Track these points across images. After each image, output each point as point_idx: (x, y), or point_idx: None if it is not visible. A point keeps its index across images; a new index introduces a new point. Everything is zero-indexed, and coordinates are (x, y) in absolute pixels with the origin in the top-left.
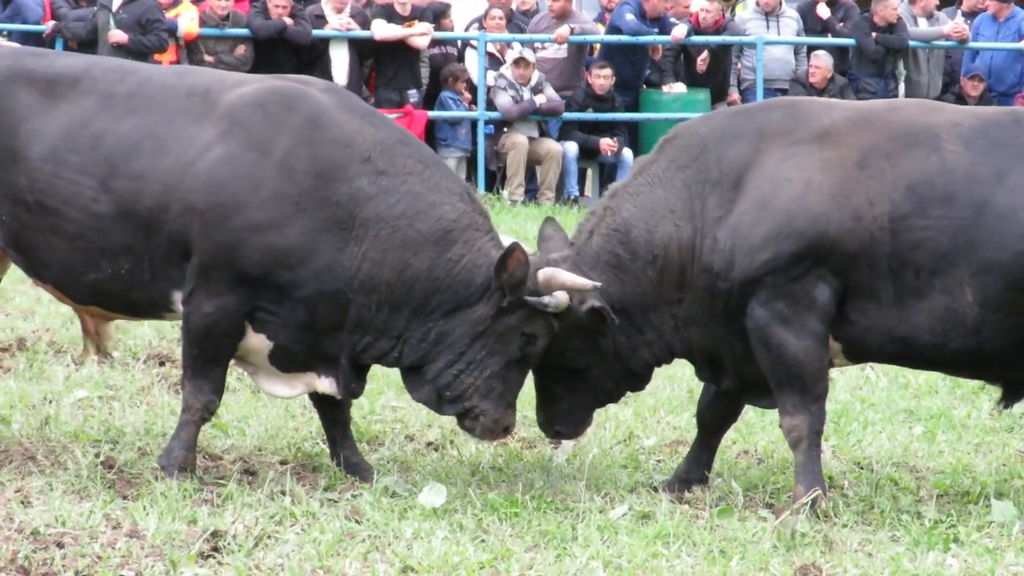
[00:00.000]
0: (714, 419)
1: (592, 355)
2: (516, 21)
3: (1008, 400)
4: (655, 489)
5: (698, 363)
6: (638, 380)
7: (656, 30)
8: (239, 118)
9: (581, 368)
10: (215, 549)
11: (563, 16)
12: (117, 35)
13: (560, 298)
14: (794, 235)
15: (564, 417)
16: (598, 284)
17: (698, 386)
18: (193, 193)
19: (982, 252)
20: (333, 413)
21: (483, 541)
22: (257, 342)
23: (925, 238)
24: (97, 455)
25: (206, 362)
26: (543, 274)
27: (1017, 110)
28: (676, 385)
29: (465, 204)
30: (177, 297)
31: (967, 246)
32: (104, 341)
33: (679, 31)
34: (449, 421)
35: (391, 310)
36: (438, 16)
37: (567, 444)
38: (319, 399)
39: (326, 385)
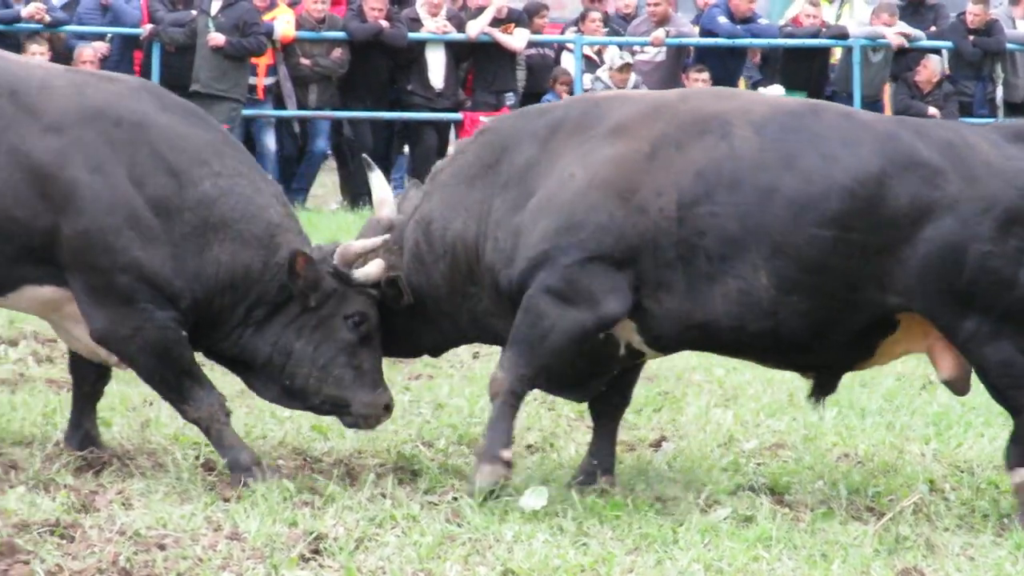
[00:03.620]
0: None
1: (384, 325)
2: (612, 24)
3: (818, 394)
4: (755, 492)
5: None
6: (430, 351)
7: (749, 33)
8: (72, 137)
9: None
10: (316, 551)
11: (663, 20)
12: (216, 38)
13: (370, 270)
14: (573, 229)
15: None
16: (387, 239)
17: (799, 389)
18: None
19: (774, 236)
20: (89, 387)
21: (584, 544)
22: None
23: (713, 224)
24: (197, 457)
25: (179, 375)
26: (337, 253)
27: (817, 103)
28: (776, 389)
29: (282, 207)
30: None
31: (757, 230)
32: None
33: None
34: (551, 423)
35: (231, 309)
36: (532, 15)
37: (667, 446)
38: (78, 371)
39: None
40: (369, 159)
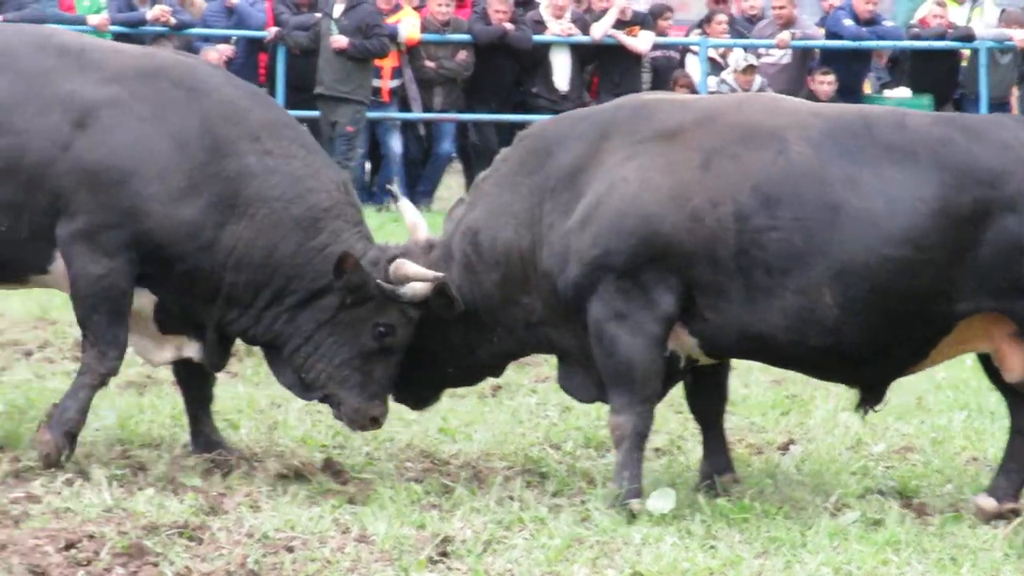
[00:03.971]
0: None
1: (440, 339)
2: (736, 26)
3: (866, 404)
4: (884, 495)
5: (563, 362)
6: (490, 369)
7: (873, 36)
8: (131, 86)
9: (430, 348)
10: (444, 554)
11: (788, 22)
12: (339, 40)
13: (416, 288)
14: (624, 234)
15: (408, 391)
16: (440, 276)
17: (928, 392)
18: (86, 153)
19: (838, 255)
20: (197, 391)
21: (712, 547)
22: (144, 300)
23: (773, 239)
24: (326, 460)
25: (109, 327)
26: (393, 266)
27: (869, 111)
28: (904, 392)
29: (340, 194)
30: (57, 257)
31: (820, 248)
32: None
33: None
34: (678, 426)
35: (255, 289)
36: (656, 17)
37: (795, 449)
38: (184, 377)
39: (193, 350)
40: (395, 189)
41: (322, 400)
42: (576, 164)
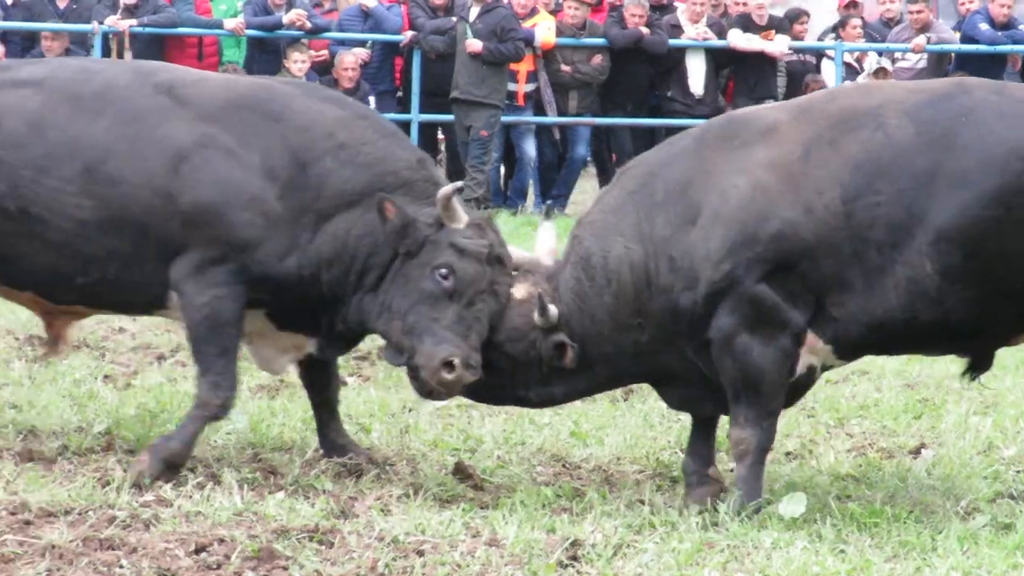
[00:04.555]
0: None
1: (521, 363)
2: (869, 30)
3: (974, 372)
4: (1015, 499)
5: (665, 391)
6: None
7: (1009, 40)
8: (217, 120)
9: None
10: (574, 558)
11: (924, 27)
12: (473, 44)
13: (551, 313)
14: (749, 240)
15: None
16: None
17: None
18: (182, 195)
19: (936, 220)
20: (322, 395)
21: (842, 552)
22: (260, 321)
23: (879, 214)
24: (456, 463)
25: (218, 357)
26: (440, 195)
27: (964, 80)
28: None
29: (411, 172)
30: (172, 296)
31: (921, 216)
32: (64, 343)
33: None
34: (809, 430)
35: (345, 277)
36: (792, 21)
37: (927, 453)
38: (310, 382)
39: (311, 345)
40: (551, 209)
41: (406, 363)
42: (685, 177)
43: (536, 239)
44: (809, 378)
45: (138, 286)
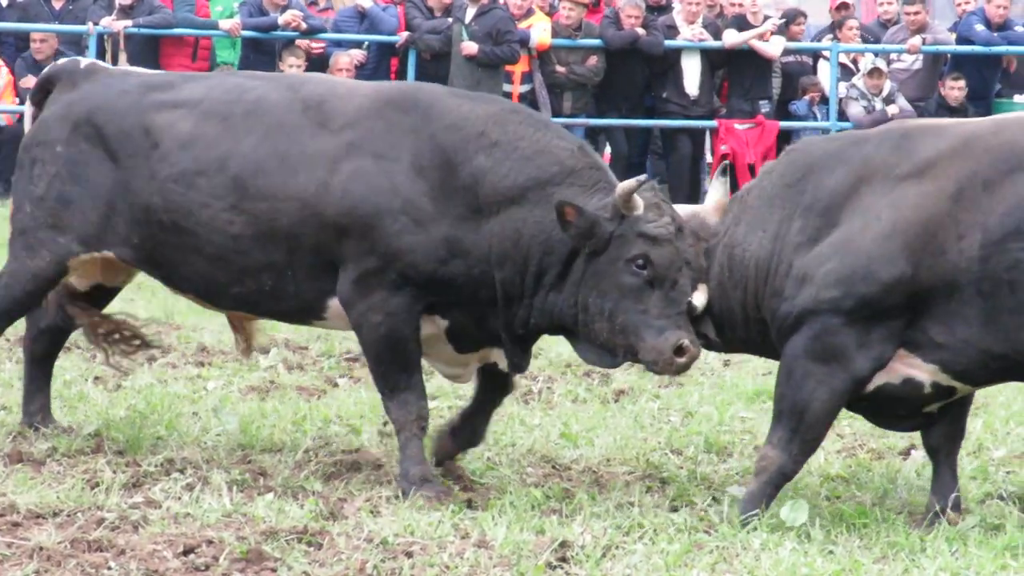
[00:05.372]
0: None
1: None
2: (864, 31)
3: None
4: (1004, 500)
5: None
6: None
7: (1004, 41)
8: (365, 127)
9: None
10: (562, 559)
11: (920, 28)
12: (469, 47)
13: (702, 297)
14: (870, 279)
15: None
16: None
17: None
18: (334, 206)
19: None
20: (490, 398)
21: (831, 552)
22: (432, 327)
23: (1020, 259)
24: (446, 465)
25: (400, 373)
26: (619, 191)
27: None
28: None
29: (573, 161)
30: (331, 304)
31: None
32: (252, 339)
33: None
34: None
35: (521, 278)
36: (789, 22)
37: (916, 455)
38: (483, 380)
39: (497, 356)
40: (728, 164)
41: (628, 359)
42: (836, 189)
43: (708, 192)
44: (913, 390)
45: (293, 296)
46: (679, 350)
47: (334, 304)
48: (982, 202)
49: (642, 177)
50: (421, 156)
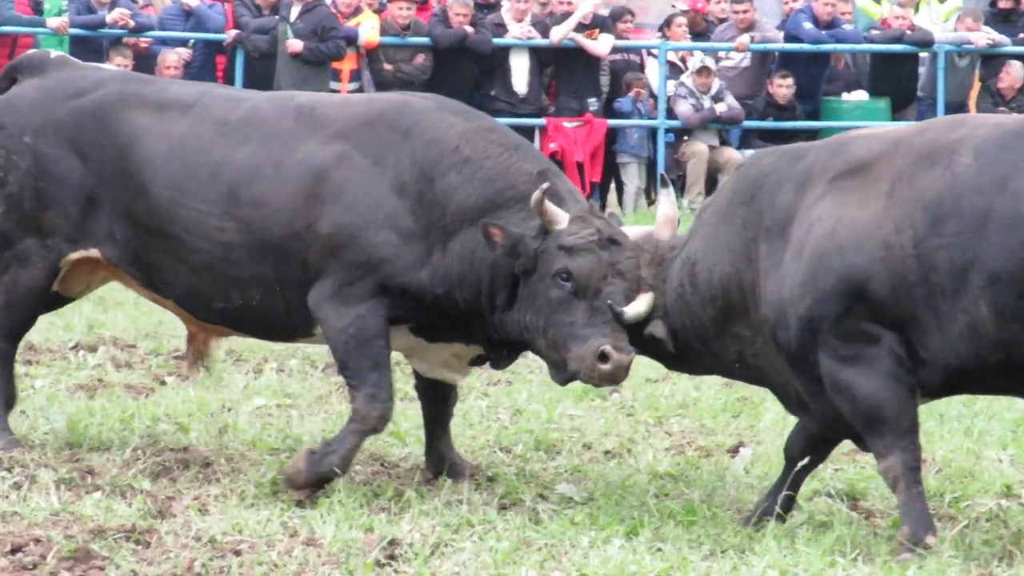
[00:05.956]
0: (800, 453)
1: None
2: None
3: None
4: (832, 497)
5: (782, 397)
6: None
7: (832, 39)
8: (354, 139)
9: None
10: (391, 557)
11: (748, 26)
12: (294, 44)
13: (640, 307)
14: (823, 274)
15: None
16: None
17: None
18: (321, 218)
19: (990, 263)
20: (438, 409)
21: (660, 550)
22: (407, 340)
23: (941, 258)
24: (278, 463)
25: (369, 372)
26: (533, 198)
27: None
28: None
29: (529, 187)
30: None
31: (975, 258)
32: (207, 356)
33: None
34: (628, 429)
35: (477, 297)
36: (616, 20)
37: (745, 452)
38: (425, 395)
39: (475, 349)
40: (667, 176)
41: (572, 378)
42: (788, 209)
43: (657, 208)
44: None
45: (281, 314)
46: (602, 356)
47: None
48: (908, 197)
49: (544, 186)
50: (401, 170)
